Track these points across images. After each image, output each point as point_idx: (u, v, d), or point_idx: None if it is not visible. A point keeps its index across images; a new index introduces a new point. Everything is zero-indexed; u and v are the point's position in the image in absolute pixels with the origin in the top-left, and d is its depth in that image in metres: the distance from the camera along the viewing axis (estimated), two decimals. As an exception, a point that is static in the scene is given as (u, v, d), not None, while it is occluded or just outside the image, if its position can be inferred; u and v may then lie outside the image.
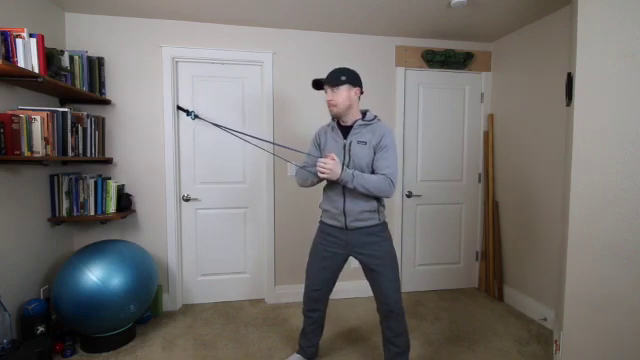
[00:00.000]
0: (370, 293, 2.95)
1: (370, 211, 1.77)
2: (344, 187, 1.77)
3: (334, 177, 1.69)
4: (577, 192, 1.63)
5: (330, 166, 1.67)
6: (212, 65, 2.80)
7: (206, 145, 2.83)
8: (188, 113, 2.69)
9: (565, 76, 2.39)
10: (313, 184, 1.92)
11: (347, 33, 2.93)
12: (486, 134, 3.18)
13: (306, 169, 1.89)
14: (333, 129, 1.86)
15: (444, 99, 3.14)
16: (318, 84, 1.82)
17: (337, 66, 2.87)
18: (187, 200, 2.82)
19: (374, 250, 1.79)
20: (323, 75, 2.85)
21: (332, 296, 2.94)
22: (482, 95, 3.19)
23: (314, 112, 2.91)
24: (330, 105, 1.78)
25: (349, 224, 1.79)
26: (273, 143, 2.70)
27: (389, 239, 1.84)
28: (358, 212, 1.76)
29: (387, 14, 2.55)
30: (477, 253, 3.29)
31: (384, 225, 1.84)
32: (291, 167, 2.89)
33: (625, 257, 1.51)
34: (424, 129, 3.12)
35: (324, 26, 2.79)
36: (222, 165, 2.86)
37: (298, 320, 2.62)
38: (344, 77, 1.74)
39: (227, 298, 2.95)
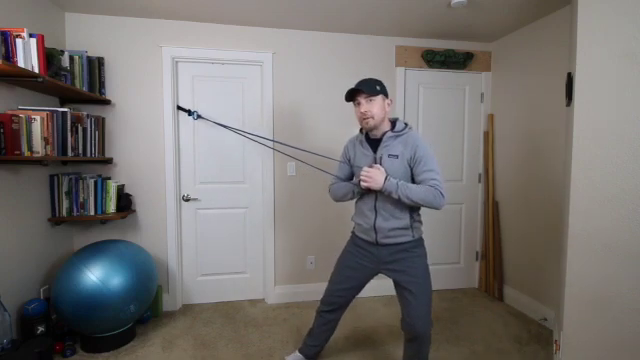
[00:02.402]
0: (371, 293, 2.97)
1: (402, 228, 1.69)
2: (376, 203, 1.71)
3: (377, 186, 1.62)
4: (577, 192, 1.63)
5: (372, 174, 1.61)
6: (212, 65, 2.80)
7: (206, 145, 2.83)
8: (190, 113, 2.69)
9: (565, 76, 2.39)
10: (353, 197, 1.82)
11: (347, 33, 2.93)
12: (486, 134, 3.18)
13: (343, 182, 1.84)
14: (362, 143, 1.77)
15: (444, 99, 3.14)
16: (352, 94, 1.68)
17: (337, 66, 2.92)
18: (187, 200, 2.82)
19: (404, 266, 1.71)
20: (322, 75, 2.91)
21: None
22: (482, 95, 3.19)
23: (314, 112, 2.91)
24: (366, 117, 1.65)
25: (380, 240, 1.72)
26: (274, 141, 2.71)
27: (423, 256, 1.75)
28: (389, 229, 1.69)
29: (387, 14, 2.55)
30: (477, 253, 3.29)
31: (418, 241, 1.75)
32: (291, 167, 2.89)
33: (625, 257, 1.51)
34: (424, 129, 3.12)
35: (324, 26, 2.79)
36: (222, 165, 2.86)
37: (298, 320, 2.62)
38: (379, 87, 1.65)
39: (227, 298, 2.95)
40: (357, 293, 1.89)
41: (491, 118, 3.15)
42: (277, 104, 2.86)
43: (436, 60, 3.04)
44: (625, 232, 1.51)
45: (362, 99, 1.65)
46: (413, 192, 1.59)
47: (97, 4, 2.40)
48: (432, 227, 3.20)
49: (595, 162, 1.58)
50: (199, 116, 2.71)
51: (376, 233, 1.72)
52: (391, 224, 1.69)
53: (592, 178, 1.59)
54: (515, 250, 2.93)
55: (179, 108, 2.74)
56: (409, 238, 1.71)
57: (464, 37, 3.02)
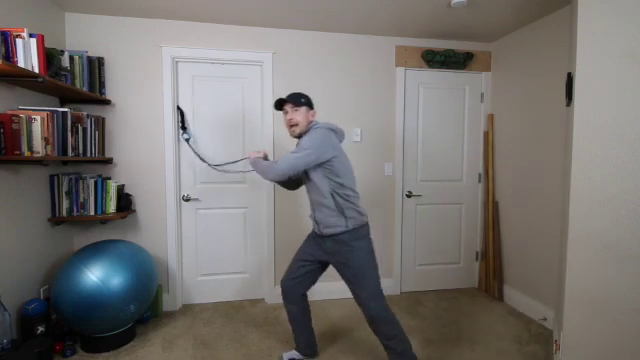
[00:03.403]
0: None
1: (334, 217, 1.80)
2: (309, 195, 1.89)
3: (250, 162, 1.92)
4: (577, 192, 1.63)
5: (250, 155, 1.94)
6: (212, 65, 2.80)
7: (206, 145, 2.83)
8: (184, 130, 2.70)
9: (565, 76, 2.39)
10: (288, 184, 2.09)
11: (347, 33, 2.93)
12: (486, 134, 3.18)
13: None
14: None
15: (444, 99, 3.14)
16: (280, 103, 1.91)
17: (336, 66, 2.92)
18: (187, 200, 2.82)
19: (343, 258, 1.82)
20: (322, 75, 2.91)
21: (329, 296, 2.96)
22: (482, 95, 3.19)
23: (314, 112, 2.91)
24: (291, 124, 1.87)
25: (322, 231, 1.85)
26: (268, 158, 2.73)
27: (360, 248, 1.80)
28: (325, 218, 1.82)
29: (387, 14, 2.55)
30: (477, 253, 3.29)
31: (353, 232, 1.79)
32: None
33: (625, 257, 1.51)
34: (424, 129, 3.12)
35: (324, 26, 2.79)
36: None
37: (298, 320, 2.62)
38: (304, 100, 1.89)
39: (227, 298, 2.96)
40: (310, 284, 2.01)
41: (491, 118, 3.15)
42: (277, 104, 2.86)
43: (436, 60, 3.04)
44: (625, 232, 1.51)
45: (289, 108, 1.89)
46: (259, 165, 1.84)
47: (97, 4, 2.40)
48: (432, 227, 3.21)
49: (595, 162, 1.58)
50: (187, 140, 2.72)
51: (318, 224, 1.87)
52: (324, 213, 1.82)
53: (592, 178, 1.59)
54: (515, 250, 2.93)
55: (179, 108, 2.73)
56: (343, 228, 1.79)
57: (464, 37, 3.02)
